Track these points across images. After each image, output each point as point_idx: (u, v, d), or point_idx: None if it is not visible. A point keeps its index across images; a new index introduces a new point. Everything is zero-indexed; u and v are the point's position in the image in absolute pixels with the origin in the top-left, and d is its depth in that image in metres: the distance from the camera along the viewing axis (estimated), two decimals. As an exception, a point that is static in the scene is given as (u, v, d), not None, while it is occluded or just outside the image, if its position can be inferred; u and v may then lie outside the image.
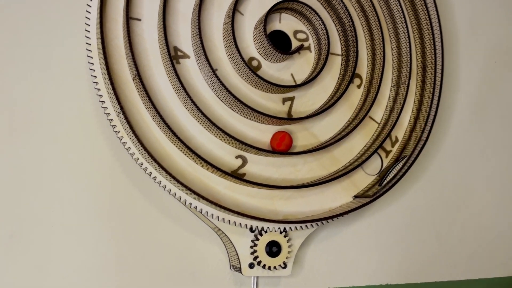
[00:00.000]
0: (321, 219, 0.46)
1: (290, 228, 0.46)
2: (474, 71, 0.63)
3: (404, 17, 0.53)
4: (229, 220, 0.44)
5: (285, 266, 0.47)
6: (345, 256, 0.55)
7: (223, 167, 0.44)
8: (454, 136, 0.61)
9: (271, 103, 0.48)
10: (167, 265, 0.49)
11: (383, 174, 0.51)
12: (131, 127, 0.40)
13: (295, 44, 0.50)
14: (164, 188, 0.42)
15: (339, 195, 0.49)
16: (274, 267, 0.47)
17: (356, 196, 0.49)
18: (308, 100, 0.50)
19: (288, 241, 0.47)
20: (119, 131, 0.41)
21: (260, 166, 0.46)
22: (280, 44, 0.49)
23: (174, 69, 0.42)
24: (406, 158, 0.50)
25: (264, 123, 0.47)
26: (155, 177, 0.42)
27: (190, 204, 0.43)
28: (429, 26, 0.53)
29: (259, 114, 0.45)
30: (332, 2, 0.51)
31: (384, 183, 0.49)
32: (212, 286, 0.50)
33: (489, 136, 0.62)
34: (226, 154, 0.45)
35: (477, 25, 0.64)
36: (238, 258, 0.46)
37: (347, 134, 0.48)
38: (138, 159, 0.42)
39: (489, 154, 0.62)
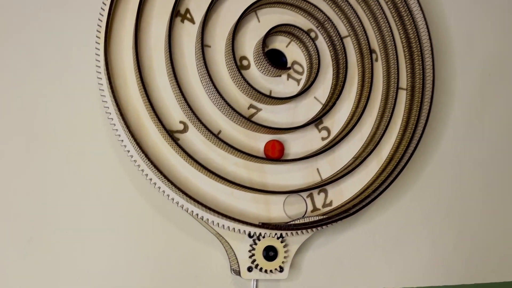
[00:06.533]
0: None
1: (286, 234, 0.51)
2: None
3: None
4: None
5: (281, 269, 0.51)
6: (343, 261, 0.58)
7: (167, 126, 0.47)
8: (449, 141, 0.63)
9: (238, 99, 0.51)
10: (171, 270, 0.53)
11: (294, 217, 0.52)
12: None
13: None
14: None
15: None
16: (271, 271, 0.50)
17: (263, 223, 0.50)
18: (273, 120, 0.52)
19: (284, 246, 0.51)
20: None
21: (196, 140, 0.49)
22: (275, 62, 0.53)
23: (171, 23, 0.47)
24: (318, 218, 0.51)
25: (222, 112, 0.50)
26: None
27: (192, 212, 0.47)
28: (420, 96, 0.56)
29: (224, 102, 0.48)
30: (338, 54, 0.55)
31: (289, 223, 0.50)
32: (214, 289, 0.54)
33: (482, 147, 0.64)
34: (173, 114, 0.49)
35: (471, 39, 0.65)
36: (238, 262, 0.50)
37: (286, 161, 0.50)
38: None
39: (484, 164, 0.64)
